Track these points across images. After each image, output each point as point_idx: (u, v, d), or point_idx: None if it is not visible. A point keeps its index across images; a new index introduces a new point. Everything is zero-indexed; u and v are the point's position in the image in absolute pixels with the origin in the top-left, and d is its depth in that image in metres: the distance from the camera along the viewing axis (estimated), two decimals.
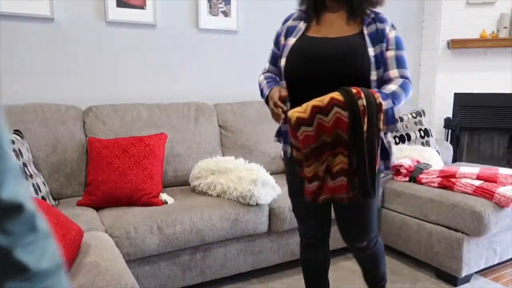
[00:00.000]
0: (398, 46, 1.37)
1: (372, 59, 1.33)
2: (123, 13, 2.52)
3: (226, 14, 2.85)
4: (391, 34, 1.37)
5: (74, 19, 2.42)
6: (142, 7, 2.57)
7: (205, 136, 2.53)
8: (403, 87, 1.33)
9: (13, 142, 1.85)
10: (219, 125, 2.66)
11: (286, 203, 2.13)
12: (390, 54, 1.36)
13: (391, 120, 1.27)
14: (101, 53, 2.52)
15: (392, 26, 1.40)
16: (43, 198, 1.88)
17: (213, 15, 2.81)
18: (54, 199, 2.07)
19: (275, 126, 2.76)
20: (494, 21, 3.57)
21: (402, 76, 1.36)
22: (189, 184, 2.45)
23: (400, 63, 1.36)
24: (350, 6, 1.37)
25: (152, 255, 1.87)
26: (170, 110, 2.49)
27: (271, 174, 2.70)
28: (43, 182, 1.97)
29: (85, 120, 2.29)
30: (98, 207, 2.01)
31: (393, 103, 1.28)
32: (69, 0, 2.39)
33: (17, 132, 1.98)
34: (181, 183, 2.44)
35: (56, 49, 2.40)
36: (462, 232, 2.07)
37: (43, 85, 2.39)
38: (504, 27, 3.48)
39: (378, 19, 1.39)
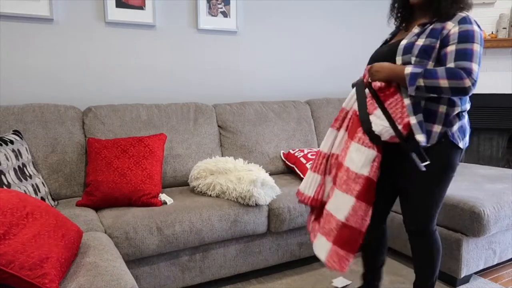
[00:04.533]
0: (462, 39, 1.40)
1: (401, 47, 1.49)
2: (122, 14, 2.52)
3: (225, 14, 2.86)
4: (453, 30, 1.42)
5: (74, 20, 2.42)
6: (141, 7, 2.57)
7: (204, 137, 2.53)
8: (447, 70, 1.37)
9: (12, 143, 1.85)
10: (219, 126, 2.66)
11: (286, 204, 2.13)
12: (450, 48, 1.41)
13: (410, 82, 1.40)
14: (100, 54, 2.52)
15: (461, 21, 1.43)
16: (42, 198, 1.88)
17: (213, 15, 2.82)
18: (54, 199, 2.07)
19: (274, 126, 2.77)
20: (493, 22, 3.57)
21: (458, 67, 1.38)
22: (188, 185, 2.45)
23: (459, 56, 1.38)
24: (438, 12, 1.47)
25: (151, 256, 1.87)
26: (169, 111, 2.49)
27: (270, 174, 2.70)
28: (43, 183, 1.97)
29: (84, 120, 2.29)
30: (97, 208, 2.01)
31: (423, 73, 1.38)
32: (69, 1, 2.39)
33: (16, 132, 1.98)
34: (180, 184, 2.44)
35: (56, 49, 2.40)
36: (461, 233, 2.07)
37: (43, 85, 2.39)
38: (503, 28, 3.49)
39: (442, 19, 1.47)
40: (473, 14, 3.59)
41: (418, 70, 1.39)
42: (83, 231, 1.69)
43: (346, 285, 2.13)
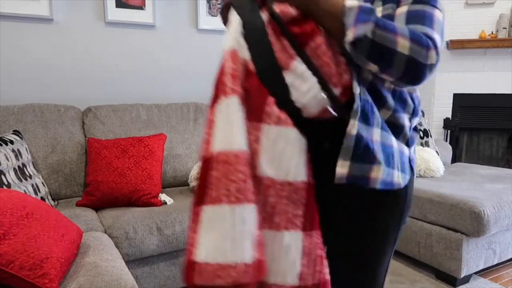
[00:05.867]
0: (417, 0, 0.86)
1: None
2: (122, 14, 2.52)
3: None
4: None
5: (74, 20, 2.42)
6: (141, 7, 2.57)
7: None
8: (410, 29, 0.80)
9: (12, 143, 1.85)
10: None
11: None
12: (400, 10, 0.86)
13: (360, 17, 0.77)
14: (100, 54, 2.52)
15: None
16: (42, 198, 1.88)
17: (212, 15, 2.82)
18: (54, 199, 2.07)
19: None
20: (493, 22, 3.57)
21: None
22: (188, 185, 2.45)
23: (413, 18, 0.84)
24: None
25: (151, 256, 1.87)
26: (169, 111, 2.49)
27: None
28: (42, 183, 1.97)
29: (84, 120, 2.29)
30: (97, 208, 2.01)
31: (377, 19, 0.77)
32: (69, 1, 2.39)
33: (16, 132, 1.98)
34: (180, 184, 2.44)
35: (56, 49, 2.39)
36: (461, 233, 2.07)
37: (43, 85, 2.38)
38: (503, 28, 3.49)
39: None
40: (473, 14, 3.60)
41: (369, 7, 0.79)
42: (83, 231, 1.69)
43: None
